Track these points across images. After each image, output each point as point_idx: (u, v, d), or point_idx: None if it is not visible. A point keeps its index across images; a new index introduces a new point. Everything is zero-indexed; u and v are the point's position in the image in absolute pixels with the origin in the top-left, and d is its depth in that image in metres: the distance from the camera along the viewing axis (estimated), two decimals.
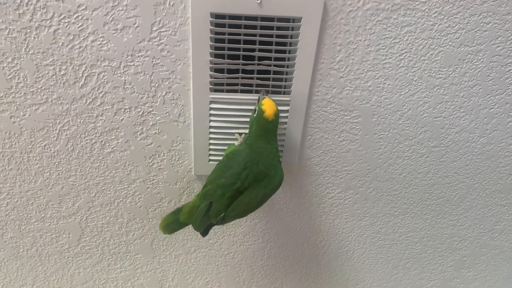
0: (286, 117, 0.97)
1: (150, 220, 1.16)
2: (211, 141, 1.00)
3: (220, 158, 1.03)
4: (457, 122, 1.05)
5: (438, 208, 1.26)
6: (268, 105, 0.83)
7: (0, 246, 1.18)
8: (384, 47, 0.91)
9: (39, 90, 0.90)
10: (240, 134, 0.97)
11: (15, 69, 0.87)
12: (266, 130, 0.85)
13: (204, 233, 0.94)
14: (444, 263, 1.42)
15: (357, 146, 1.07)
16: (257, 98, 0.93)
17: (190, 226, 1.19)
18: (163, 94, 0.93)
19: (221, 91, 0.93)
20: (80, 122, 0.95)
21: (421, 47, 0.92)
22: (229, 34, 0.85)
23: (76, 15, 0.81)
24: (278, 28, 0.87)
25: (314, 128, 1.02)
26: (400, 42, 0.91)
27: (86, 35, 0.84)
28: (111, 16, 0.82)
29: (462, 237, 1.35)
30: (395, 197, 1.21)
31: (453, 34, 0.91)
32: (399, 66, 0.94)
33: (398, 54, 0.92)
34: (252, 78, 0.91)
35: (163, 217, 1.10)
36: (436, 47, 0.92)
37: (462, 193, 1.22)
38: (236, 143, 0.97)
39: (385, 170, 1.14)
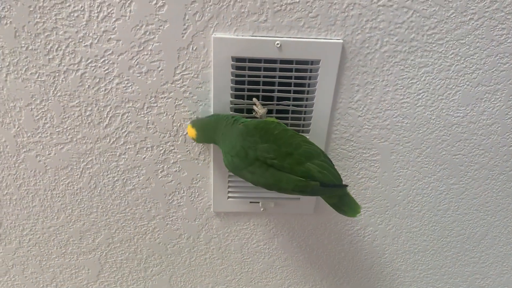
0: None
1: (169, 256, 1.17)
2: (230, 179, 1.01)
3: (239, 195, 1.04)
4: (476, 160, 1.05)
5: (459, 245, 1.24)
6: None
7: (21, 281, 1.19)
8: (401, 87, 0.92)
9: (65, 130, 0.93)
10: (257, 98, 0.91)
11: (43, 110, 0.90)
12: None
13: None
14: None
15: (376, 183, 1.07)
16: None
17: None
18: (184, 134, 0.95)
19: None
20: (103, 160, 0.98)
21: (439, 87, 0.93)
22: (249, 76, 0.88)
23: (103, 59, 0.85)
24: (297, 70, 0.89)
25: None
26: (418, 82, 0.92)
27: (112, 78, 0.87)
28: (136, 60, 0.85)
29: (485, 275, 1.32)
30: (415, 234, 1.20)
31: (470, 74, 0.92)
32: (417, 105, 0.95)
33: (415, 94, 0.93)
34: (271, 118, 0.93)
35: None
36: (454, 87, 0.93)
37: (483, 230, 1.21)
38: (257, 109, 0.90)
39: (404, 207, 1.13)
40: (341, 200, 0.85)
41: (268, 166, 0.79)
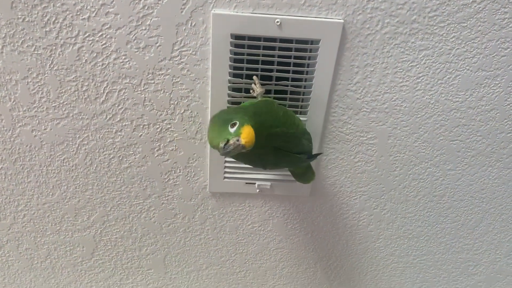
0: None
1: (164, 235, 1.17)
2: (227, 159, 1.01)
3: (235, 176, 1.04)
4: (474, 146, 1.05)
5: (453, 232, 1.24)
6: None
7: (15, 257, 1.19)
8: (401, 70, 0.92)
9: (61, 105, 0.92)
10: (257, 76, 0.88)
11: (39, 84, 0.89)
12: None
13: None
14: None
15: (373, 167, 1.07)
16: None
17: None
18: (181, 112, 0.94)
19: None
20: (99, 137, 0.97)
21: (438, 70, 0.92)
22: (248, 54, 0.87)
23: (100, 33, 0.83)
24: (296, 50, 0.88)
25: (329, 149, 1.03)
26: (418, 66, 0.91)
27: (109, 53, 0.86)
28: (134, 35, 0.84)
29: (477, 262, 1.33)
30: (410, 220, 1.20)
31: (471, 58, 0.91)
32: (416, 89, 0.94)
33: (415, 77, 0.93)
34: (269, 98, 0.92)
35: None
36: (454, 71, 0.92)
37: (478, 217, 1.21)
38: (255, 88, 0.87)
39: (400, 192, 1.13)
40: (307, 170, 0.95)
41: (276, 149, 0.80)
